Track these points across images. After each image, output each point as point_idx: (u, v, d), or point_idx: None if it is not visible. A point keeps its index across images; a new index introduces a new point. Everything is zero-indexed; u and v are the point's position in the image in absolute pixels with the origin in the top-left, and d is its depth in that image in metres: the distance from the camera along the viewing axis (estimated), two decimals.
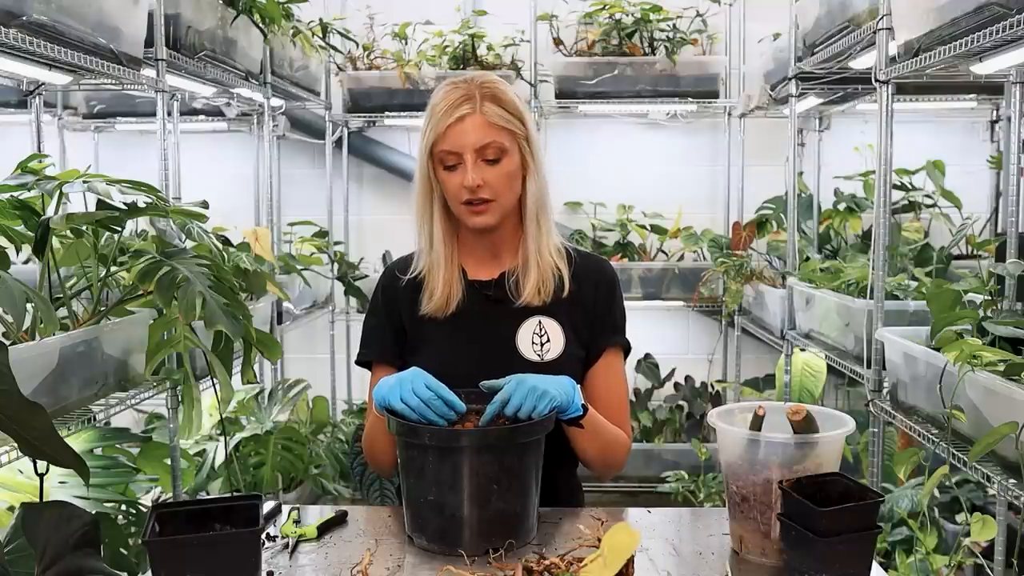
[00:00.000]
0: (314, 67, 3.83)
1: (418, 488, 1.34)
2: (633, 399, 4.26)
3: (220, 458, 2.94)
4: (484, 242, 1.60)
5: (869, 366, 2.37)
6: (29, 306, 1.54)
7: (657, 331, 4.33)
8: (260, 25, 2.98)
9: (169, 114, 2.46)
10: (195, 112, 3.83)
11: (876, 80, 2.29)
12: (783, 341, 3.34)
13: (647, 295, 4.05)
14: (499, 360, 1.51)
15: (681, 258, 4.19)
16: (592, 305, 1.61)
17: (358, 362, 1.68)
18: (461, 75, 1.57)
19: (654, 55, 3.84)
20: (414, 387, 1.36)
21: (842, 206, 3.91)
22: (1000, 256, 2.45)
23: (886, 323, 2.33)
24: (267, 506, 1.44)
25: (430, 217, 1.57)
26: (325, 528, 1.43)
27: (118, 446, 2.36)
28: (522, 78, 3.96)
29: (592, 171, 4.29)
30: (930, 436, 1.90)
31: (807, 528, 1.19)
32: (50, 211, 1.70)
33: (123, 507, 2.27)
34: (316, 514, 1.49)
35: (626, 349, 1.65)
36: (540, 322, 1.58)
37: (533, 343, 1.57)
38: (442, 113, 1.48)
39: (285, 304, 3.32)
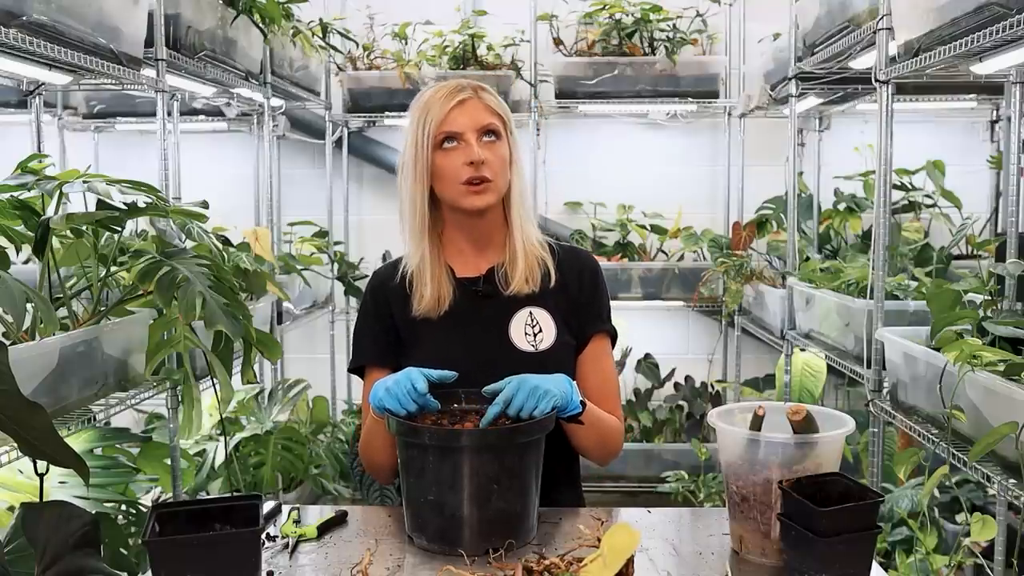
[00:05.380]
0: (314, 67, 3.83)
1: (418, 488, 1.34)
2: (633, 399, 4.25)
3: (220, 458, 2.94)
4: (471, 235, 1.62)
5: (869, 366, 2.37)
6: (29, 306, 1.54)
7: (657, 331, 4.33)
8: (260, 25, 2.98)
9: (169, 114, 2.46)
10: (195, 112, 3.83)
11: (876, 80, 2.29)
12: (783, 341, 3.34)
13: (647, 295, 4.05)
14: (494, 353, 1.53)
15: (681, 258, 4.19)
16: (578, 294, 1.64)
17: (350, 369, 1.68)
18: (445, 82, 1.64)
19: (654, 55, 3.84)
20: (407, 388, 1.38)
21: (842, 206, 3.91)
22: (1000, 256, 2.45)
23: (886, 323, 2.32)
24: (267, 506, 1.44)
25: (422, 209, 1.57)
26: (325, 528, 1.43)
27: (118, 446, 2.35)
28: (522, 78, 3.96)
29: (592, 171, 4.29)
30: (930, 436, 1.90)
31: (807, 528, 1.19)
32: (50, 211, 1.70)
33: (123, 507, 2.27)
34: (316, 514, 1.50)
35: (613, 336, 1.67)
36: (531, 312, 1.60)
37: (526, 334, 1.59)
38: (443, 99, 1.55)
39: (285, 304, 3.32)
